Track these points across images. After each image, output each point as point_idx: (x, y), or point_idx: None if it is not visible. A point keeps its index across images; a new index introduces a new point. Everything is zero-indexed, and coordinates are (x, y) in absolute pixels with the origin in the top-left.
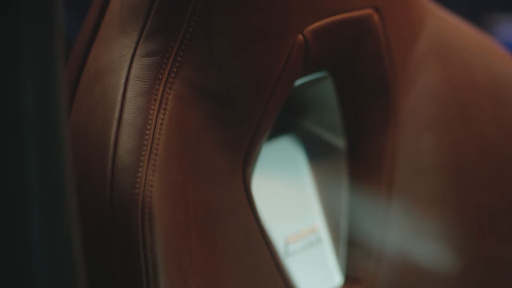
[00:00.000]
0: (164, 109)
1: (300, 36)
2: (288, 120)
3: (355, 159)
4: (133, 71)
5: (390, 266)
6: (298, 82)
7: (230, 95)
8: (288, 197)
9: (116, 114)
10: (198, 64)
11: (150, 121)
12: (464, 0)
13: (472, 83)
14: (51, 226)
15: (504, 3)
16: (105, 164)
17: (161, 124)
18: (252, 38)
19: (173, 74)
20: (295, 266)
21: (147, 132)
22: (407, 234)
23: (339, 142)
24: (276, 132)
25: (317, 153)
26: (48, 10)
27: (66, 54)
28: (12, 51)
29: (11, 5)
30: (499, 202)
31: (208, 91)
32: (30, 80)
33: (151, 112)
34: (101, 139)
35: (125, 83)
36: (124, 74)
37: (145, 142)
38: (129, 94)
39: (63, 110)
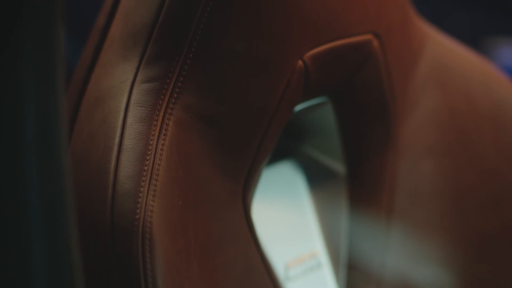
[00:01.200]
0: (164, 135)
1: (300, 62)
2: (288, 145)
3: (354, 183)
4: (133, 97)
5: None
6: (298, 107)
7: (230, 120)
8: (288, 221)
9: (117, 140)
10: (198, 90)
11: (150, 147)
12: (464, 24)
13: (471, 108)
14: (53, 250)
15: (504, 27)
16: (106, 189)
17: (161, 149)
18: (252, 64)
19: (173, 100)
20: None
21: (148, 157)
22: (406, 258)
23: (339, 166)
24: (276, 157)
25: (317, 177)
26: (49, 37)
27: (66, 79)
28: (13, 79)
29: (12, 32)
30: (498, 227)
31: (208, 116)
32: (31, 107)
33: (152, 137)
34: (102, 164)
35: (126, 109)
36: (124, 100)
37: (146, 168)
38: (129, 120)
39: (63, 136)
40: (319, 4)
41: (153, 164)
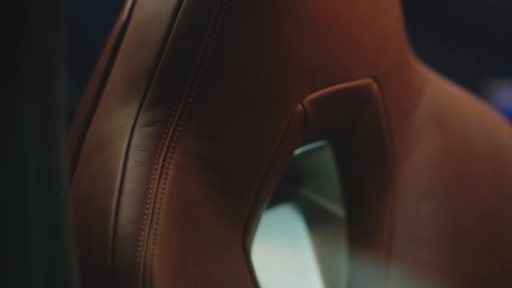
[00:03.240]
0: (165, 179)
1: (300, 106)
2: (288, 189)
3: (354, 226)
4: (134, 141)
5: None
6: (298, 151)
7: (230, 164)
8: (287, 264)
9: (117, 183)
10: (199, 134)
11: (151, 191)
12: (462, 66)
13: (470, 151)
14: None
15: (502, 69)
16: (107, 233)
17: (161, 193)
18: (252, 109)
19: (174, 144)
20: None
21: (148, 201)
22: None
23: (338, 209)
24: (276, 200)
25: (316, 220)
26: (50, 81)
27: (67, 123)
28: (14, 123)
29: (12, 76)
30: (497, 271)
31: (208, 160)
32: (32, 151)
33: (152, 181)
34: (103, 208)
35: (126, 153)
36: (125, 144)
37: (146, 211)
38: (130, 164)
39: (65, 180)
40: (318, 48)
41: (153, 207)
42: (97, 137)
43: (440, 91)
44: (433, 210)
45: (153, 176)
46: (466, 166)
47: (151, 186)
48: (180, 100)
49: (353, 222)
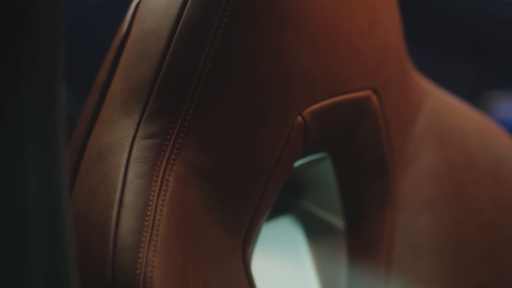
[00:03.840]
0: (165, 191)
1: (299, 118)
2: (288, 200)
3: (354, 238)
4: (134, 153)
5: None
6: (297, 162)
7: (230, 176)
8: (287, 276)
9: (117, 195)
10: (199, 146)
11: (151, 203)
12: (462, 78)
13: (470, 162)
14: None
15: (502, 81)
16: (107, 245)
17: (162, 205)
18: (252, 120)
19: (174, 156)
20: None
21: (148, 213)
22: None
23: (338, 221)
24: (276, 212)
25: (316, 232)
26: (50, 94)
27: (67, 135)
28: (15, 135)
29: (13, 89)
30: (496, 281)
31: (208, 172)
32: (33, 164)
33: (152, 193)
34: (103, 220)
35: (126, 165)
36: (125, 156)
37: (146, 223)
38: (130, 176)
39: (65, 192)
40: (318, 60)
41: (153, 219)
42: (97, 149)
43: (440, 103)
44: (433, 221)
45: (153, 188)
46: (466, 177)
47: (151, 198)
48: (180, 112)
49: (353, 234)
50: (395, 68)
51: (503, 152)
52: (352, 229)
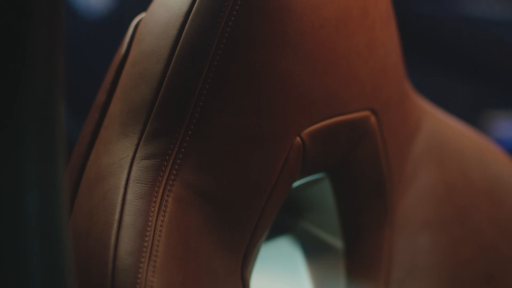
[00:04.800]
0: (164, 211)
1: (298, 139)
2: (286, 221)
3: (352, 258)
4: (133, 173)
5: None
6: (296, 183)
7: (228, 197)
8: None
9: (117, 216)
10: (197, 167)
11: (150, 223)
12: (461, 98)
13: (468, 183)
14: None
15: (500, 100)
16: (106, 265)
17: (161, 226)
18: (251, 142)
19: (173, 177)
20: None
21: (147, 233)
22: None
23: (337, 242)
24: (275, 232)
25: (314, 252)
26: (50, 114)
27: (67, 156)
28: (15, 156)
29: (12, 110)
30: None
31: (207, 193)
32: (32, 184)
33: (151, 214)
34: (102, 240)
35: (125, 185)
36: (124, 176)
37: (145, 244)
38: (129, 196)
39: (64, 212)
40: (316, 81)
41: (152, 240)
42: (97, 170)
43: (438, 123)
44: (431, 241)
45: (152, 209)
46: (464, 197)
47: (150, 218)
48: (179, 133)
49: (351, 254)
50: (393, 88)
51: (501, 172)
52: (350, 249)
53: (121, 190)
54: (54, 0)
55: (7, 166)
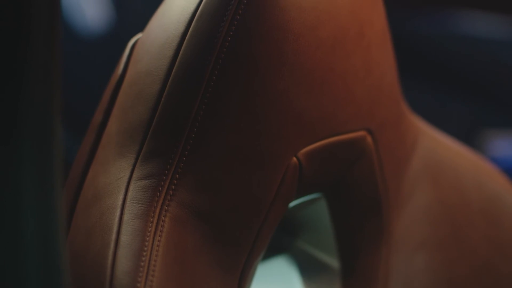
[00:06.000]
0: (160, 231)
1: (294, 159)
2: (283, 240)
3: (348, 278)
4: (130, 193)
5: None
6: (292, 203)
7: (225, 217)
8: None
9: (114, 236)
10: (194, 187)
11: (147, 243)
12: (457, 117)
13: (464, 203)
14: None
15: (496, 119)
16: (103, 285)
17: (157, 245)
18: (247, 161)
19: (170, 197)
20: None
21: (144, 253)
22: None
23: (333, 261)
24: (271, 252)
25: (311, 272)
26: (47, 134)
27: (64, 175)
28: (12, 176)
29: (11, 130)
30: None
31: (203, 213)
32: (30, 203)
33: (148, 234)
34: (99, 260)
35: (122, 205)
36: (121, 196)
37: (142, 264)
38: (126, 216)
39: (61, 232)
40: (313, 102)
41: (149, 260)
42: (94, 190)
43: (434, 143)
44: (427, 260)
45: (149, 229)
46: (460, 217)
47: (147, 238)
48: (176, 153)
49: (348, 274)
50: (390, 108)
51: (497, 192)
52: (347, 269)
53: (118, 210)
54: (52, 19)
55: (4, 187)
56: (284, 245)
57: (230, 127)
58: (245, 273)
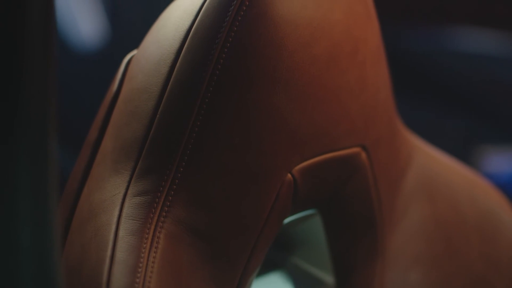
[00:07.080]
0: (155, 248)
1: (289, 175)
2: (278, 257)
3: None
4: (125, 210)
5: None
6: (287, 219)
7: (220, 233)
8: None
9: (109, 252)
10: (189, 204)
11: (142, 259)
12: (451, 133)
13: (459, 218)
14: None
15: (491, 135)
16: None
17: (153, 262)
18: (242, 179)
19: (164, 213)
20: None
21: (139, 270)
22: None
23: (328, 277)
24: (266, 268)
25: None
26: (43, 151)
27: (59, 192)
28: (8, 192)
29: (6, 146)
30: None
31: (198, 229)
32: (26, 220)
33: (143, 250)
34: (94, 276)
35: (117, 222)
36: (116, 213)
37: (137, 280)
38: (121, 233)
39: (56, 248)
40: (307, 118)
41: (144, 276)
42: (89, 206)
43: (429, 159)
44: (422, 277)
45: (144, 245)
46: (455, 233)
47: (142, 255)
48: (171, 170)
49: None
50: (384, 125)
51: (492, 207)
52: (341, 285)
53: (113, 227)
54: (47, 36)
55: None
56: (279, 261)
57: (224, 143)
58: None
